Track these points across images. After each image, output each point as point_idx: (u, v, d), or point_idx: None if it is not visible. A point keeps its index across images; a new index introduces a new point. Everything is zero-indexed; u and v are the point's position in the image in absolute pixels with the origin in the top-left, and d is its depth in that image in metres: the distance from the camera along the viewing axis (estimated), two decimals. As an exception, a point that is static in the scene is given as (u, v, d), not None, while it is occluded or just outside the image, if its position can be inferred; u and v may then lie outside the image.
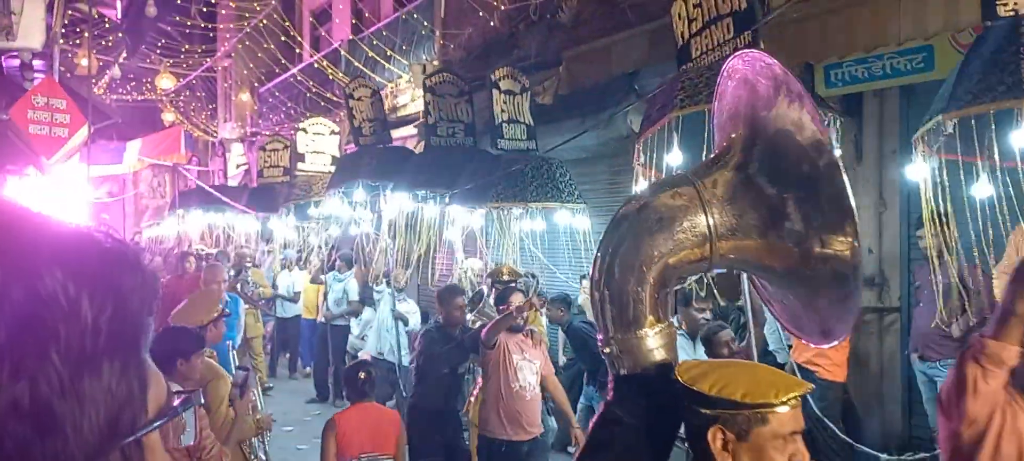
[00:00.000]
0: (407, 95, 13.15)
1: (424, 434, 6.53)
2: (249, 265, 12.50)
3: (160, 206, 24.22)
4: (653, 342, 1.79)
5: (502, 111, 8.01)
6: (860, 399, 7.33)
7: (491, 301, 7.48)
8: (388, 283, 9.80)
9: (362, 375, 5.38)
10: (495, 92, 7.96)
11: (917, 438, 7.29)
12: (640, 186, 5.52)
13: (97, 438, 0.65)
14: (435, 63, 12.54)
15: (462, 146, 8.63)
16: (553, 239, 8.91)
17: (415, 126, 11.85)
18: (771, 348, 6.91)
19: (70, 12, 11.84)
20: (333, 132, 12.80)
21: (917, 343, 6.52)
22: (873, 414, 7.54)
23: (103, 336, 0.65)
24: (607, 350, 1.83)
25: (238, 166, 22.56)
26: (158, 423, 0.73)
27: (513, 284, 7.18)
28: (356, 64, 14.48)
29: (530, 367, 6.30)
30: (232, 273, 11.38)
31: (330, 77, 15.60)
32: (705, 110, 4.63)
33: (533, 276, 8.42)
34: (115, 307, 0.67)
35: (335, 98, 15.37)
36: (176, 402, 0.77)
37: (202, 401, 0.75)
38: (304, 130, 12.71)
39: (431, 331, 6.88)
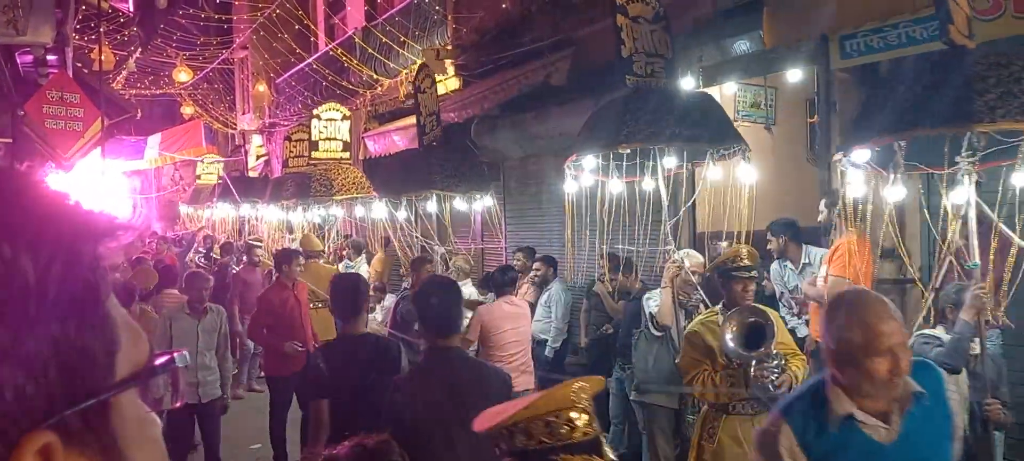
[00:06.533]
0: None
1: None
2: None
3: (179, 201, 24.34)
4: None
5: None
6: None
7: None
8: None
9: None
10: None
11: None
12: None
13: (44, 402, 0.62)
14: (448, 48, 12.48)
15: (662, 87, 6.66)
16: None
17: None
18: (789, 325, 6.81)
19: (83, 7, 11.87)
20: (345, 117, 12.80)
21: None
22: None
23: (51, 295, 0.63)
24: None
25: (258, 157, 22.64)
26: (126, 386, 0.69)
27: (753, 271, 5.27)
28: (370, 51, 14.46)
29: None
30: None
31: (346, 65, 15.58)
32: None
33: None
34: (66, 264, 0.64)
35: (350, 86, 15.36)
36: (158, 362, 0.73)
37: (186, 363, 0.72)
38: (317, 117, 12.69)
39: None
